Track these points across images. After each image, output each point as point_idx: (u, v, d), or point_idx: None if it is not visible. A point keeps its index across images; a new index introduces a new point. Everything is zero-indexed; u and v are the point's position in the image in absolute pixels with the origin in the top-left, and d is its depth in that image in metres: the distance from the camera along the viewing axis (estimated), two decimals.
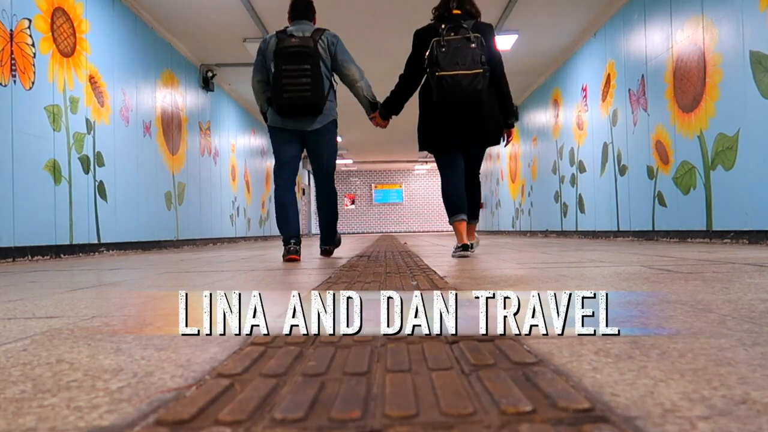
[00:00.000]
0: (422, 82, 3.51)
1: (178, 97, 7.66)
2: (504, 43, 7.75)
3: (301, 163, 14.84)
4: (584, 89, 7.84)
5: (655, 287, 1.67)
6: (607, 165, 7.06)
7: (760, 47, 4.11)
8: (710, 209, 4.84)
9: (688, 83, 5.12)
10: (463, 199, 3.49)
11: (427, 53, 3.28)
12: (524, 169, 11.43)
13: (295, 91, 3.32)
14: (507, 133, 3.64)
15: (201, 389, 0.68)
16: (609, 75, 6.96)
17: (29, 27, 4.39)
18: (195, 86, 8.41)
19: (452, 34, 3.24)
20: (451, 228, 3.81)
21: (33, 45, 4.43)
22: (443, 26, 3.28)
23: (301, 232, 3.64)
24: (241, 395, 0.64)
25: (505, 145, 3.72)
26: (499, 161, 13.86)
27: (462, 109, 3.32)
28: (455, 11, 3.37)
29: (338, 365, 0.77)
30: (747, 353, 0.82)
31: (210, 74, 8.72)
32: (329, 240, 3.85)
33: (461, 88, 3.17)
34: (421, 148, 3.63)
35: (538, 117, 10.23)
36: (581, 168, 8.02)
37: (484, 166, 15.49)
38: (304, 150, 3.68)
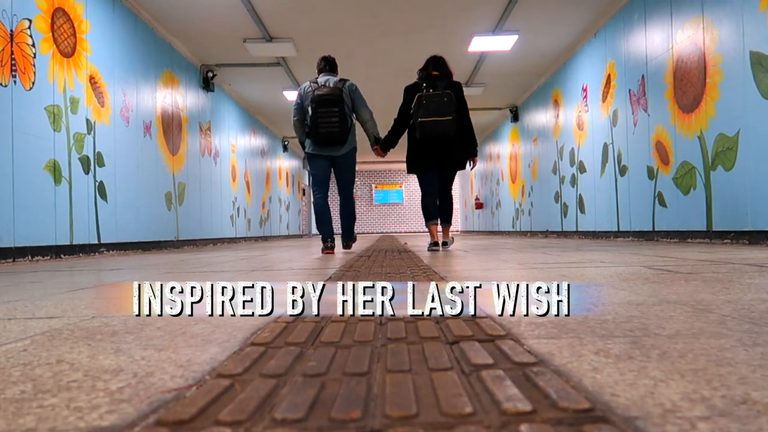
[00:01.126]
0: (410, 124, 4.66)
1: (179, 98, 7.66)
2: (504, 43, 7.77)
3: (300, 163, 15.03)
4: (584, 89, 7.84)
5: (656, 288, 1.67)
6: (608, 165, 7.06)
7: (760, 48, 4.11)
8: (710, 210, 4.84)
9: (689, 83, 5.12)
10: (435, 209, 4.76)
11: (414, 104, 4.48)
12: (524, 169, 11.43)
13: (327, 127, 4.44)
14: (472, 161, 4.82)
15: (201, 389, 0.68)
16: (609, 75, 6.97)
17: (29, 27, 4.39)
18: (195, 86, 8.41)
19: (431, 90, 4.44)
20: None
21: (33, 45, 4.43)
22: (425, 85, 4.49)
23: (334, 232, 4.86)
24: (242, 395, 0.64)
25: (471, 169, 4.94)
26: (500, 161, 13.86)
27: (437, 144, 4.53)
28: (434, 72, 4.56)
29: (338, 365, 0.77)
30: (747, 353, 0.82)
31: (210, 74, 8.72)
32: (348, 237, 4.93)
33: (437, 130, 4.38)
34: (409, 171, 4.85)
35: (539, 117, 10.23)
36: (581, 168, 8.02)
37: (485, 167, 15.59)
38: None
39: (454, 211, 16.79)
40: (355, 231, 5.12)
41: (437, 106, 4.35)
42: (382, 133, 4.95)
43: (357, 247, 6.16)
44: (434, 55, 4.68)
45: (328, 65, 4.73)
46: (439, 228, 4.81)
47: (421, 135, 4.43)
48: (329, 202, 4.78)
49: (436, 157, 4.58)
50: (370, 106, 4.78)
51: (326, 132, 4.43)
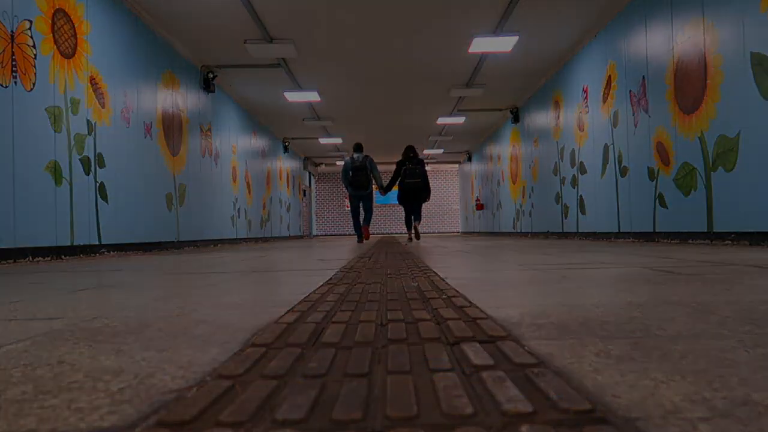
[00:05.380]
0: (399, 180, 8.89)
1: (179, 99, 7.67)
2: (505, 44, 7.77)
3: (301, 164, 15.64)
4: (585, 90, 7.84)
5: (657, 289, 1.67)
6: (608, 166, 7.06)
7: (760, 48, 4.11)
8: (711, 211, 4.83)
9: (689, 85, 5.12)
10: (410, 223, 9.17)
11: (402, 172, 8.75)
12: (525, 170, 11.43)
13: (358, 182, 8.98)
14: (427, 200, 9.08)
15: (202, 390, 0.68)
16: (610, 76, 6.97)
17: (30, 28, 4.39)
18: (196, 87, 8.41)
19: (410, 165, 8.72)
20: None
21: (34, 46, 4.43)
22: (407, 162, 8.73)
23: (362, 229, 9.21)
24: (242, 396, 0.64)
25: (425, 201, 9.09)
26: (500, 163, 13.86)
27: (413, 193, 8.82)
28: (411, 155, 8.79)
29: (339, 367, 0.77)
30: (748, 355, 0.82)
31: (211, 75, 8.72)
32: (367, 223, 9.22)
33: (414, 186, 8.76)
34: (399, 203, 9.09)
35: (539, 118, 10.23)
36: (582, 169, 8.02)
37: (485, 168, 15.72)
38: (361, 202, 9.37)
39: (453, 212, 24.29)
40: (366, 231, 9.48)
41: (412, 174, 8.72)
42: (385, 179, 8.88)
43: (357, 248, 6.25)
44: (409, 145, 8.95)
45: (357, 148, 9.12)
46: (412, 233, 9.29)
47: (405, 187, 8.80)
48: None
49: (413, 198, 8.89)
50: (377, 164, 9.10)
51: (357, 184, 8.98)
